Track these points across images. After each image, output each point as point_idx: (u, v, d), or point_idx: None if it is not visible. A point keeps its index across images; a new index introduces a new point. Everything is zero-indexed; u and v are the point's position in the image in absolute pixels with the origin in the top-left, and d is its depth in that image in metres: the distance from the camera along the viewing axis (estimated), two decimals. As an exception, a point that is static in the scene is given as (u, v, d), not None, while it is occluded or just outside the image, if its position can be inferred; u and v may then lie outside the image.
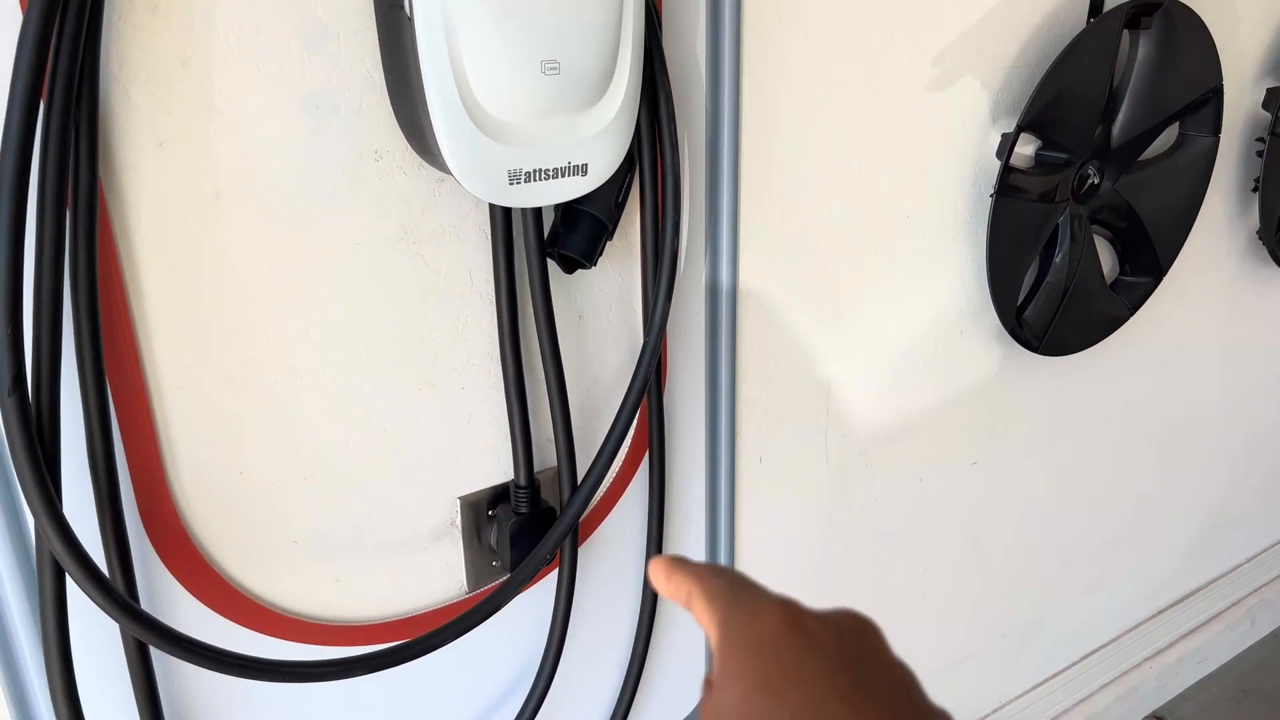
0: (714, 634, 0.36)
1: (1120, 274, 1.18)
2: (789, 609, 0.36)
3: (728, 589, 0.38)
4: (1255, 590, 1.72)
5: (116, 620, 0.59)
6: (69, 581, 0.60)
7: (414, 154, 0.68)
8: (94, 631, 0.65)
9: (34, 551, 0.61)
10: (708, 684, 0.36)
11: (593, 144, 0.66)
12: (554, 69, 0.62)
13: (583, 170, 0.66)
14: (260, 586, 0.72)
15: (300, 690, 0.76)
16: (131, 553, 0.64)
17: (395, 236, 0.70)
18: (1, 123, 0.53)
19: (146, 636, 0.60)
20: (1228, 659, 1.69)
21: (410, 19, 0.59)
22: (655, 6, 0.72)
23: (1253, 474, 1.61)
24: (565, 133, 0.64)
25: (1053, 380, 1.21)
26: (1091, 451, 1.31)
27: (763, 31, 0.82)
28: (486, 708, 0.87)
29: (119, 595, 0.58)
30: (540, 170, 0.65)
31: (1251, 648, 1.72)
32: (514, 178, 0.64)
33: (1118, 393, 1.30)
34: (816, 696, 0.32)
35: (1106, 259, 1.17)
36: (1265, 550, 1.72)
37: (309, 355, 0.69)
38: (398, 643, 0.72)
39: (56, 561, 0.59)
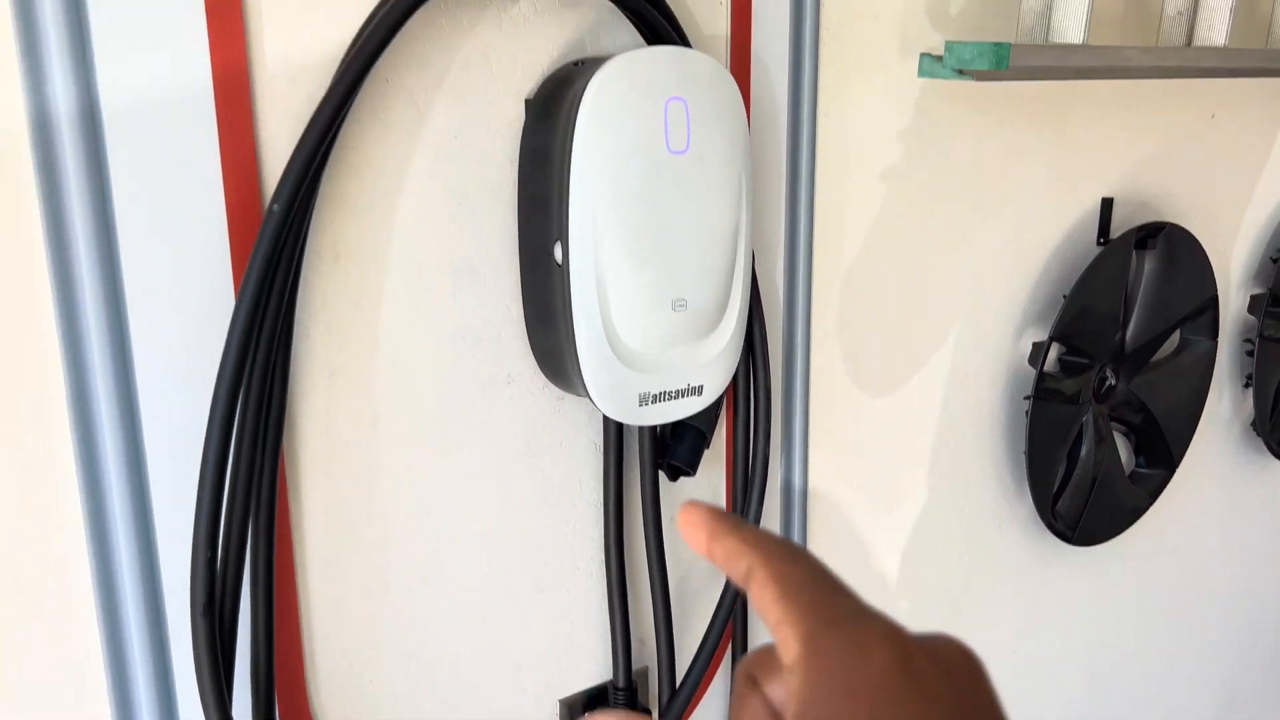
0: (797, 653, 0.29)
1: (1136, 466, 1.26)
2: (897, 643, 0.29)
3: (811, 587, 0.30)
4: (1273, 771, 1.73)
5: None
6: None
7: (540, 376, 0.75)
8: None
9: (187, 767, 0.63)
10: (772, 709, 0.31)
11: (709, 368, 0.73)
12: (682, 305, 0.70)
13: (699, 391, 0.73)
14: (380, 796, 0.73)
15: None
16: (277, 766, 0.66)
17: (519, 452, 0.76)
18: (212, 376, 0.58)
19: None
20: (1255, 844, 1.68)
21: (564, 268, 0.67)
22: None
23: (1261, 652, 1.65)
24: (687, 359, 0.71)
25: (1081, 566, 1.27)
26: (1117, 632, 1.36)
27: (830, 261, 0.91)
28: None
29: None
30: (665, 393, 0.71)
31: (1276, 831, 1.72)
32: (643, 400, 0.70)
33: (1139, 576, 1.36)
34: None
35: (1123, 452, 1.25)
36: (1279, 729, 1.75)
37: (439, 567, 0.73)
38: None
39: (223, 778, 0.60)
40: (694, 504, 0.33)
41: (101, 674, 0.61)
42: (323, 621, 0.68)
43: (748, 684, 0.32)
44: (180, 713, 0.63)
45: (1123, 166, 1.15)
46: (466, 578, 0.75)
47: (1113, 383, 1.16)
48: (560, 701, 0.82)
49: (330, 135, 0.59)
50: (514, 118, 0.70)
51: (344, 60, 0.61)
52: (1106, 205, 1.14)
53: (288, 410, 0.64)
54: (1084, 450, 1.16)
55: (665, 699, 0.83)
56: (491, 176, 0.70)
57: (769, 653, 0.31)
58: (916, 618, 1.10)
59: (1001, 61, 0.79)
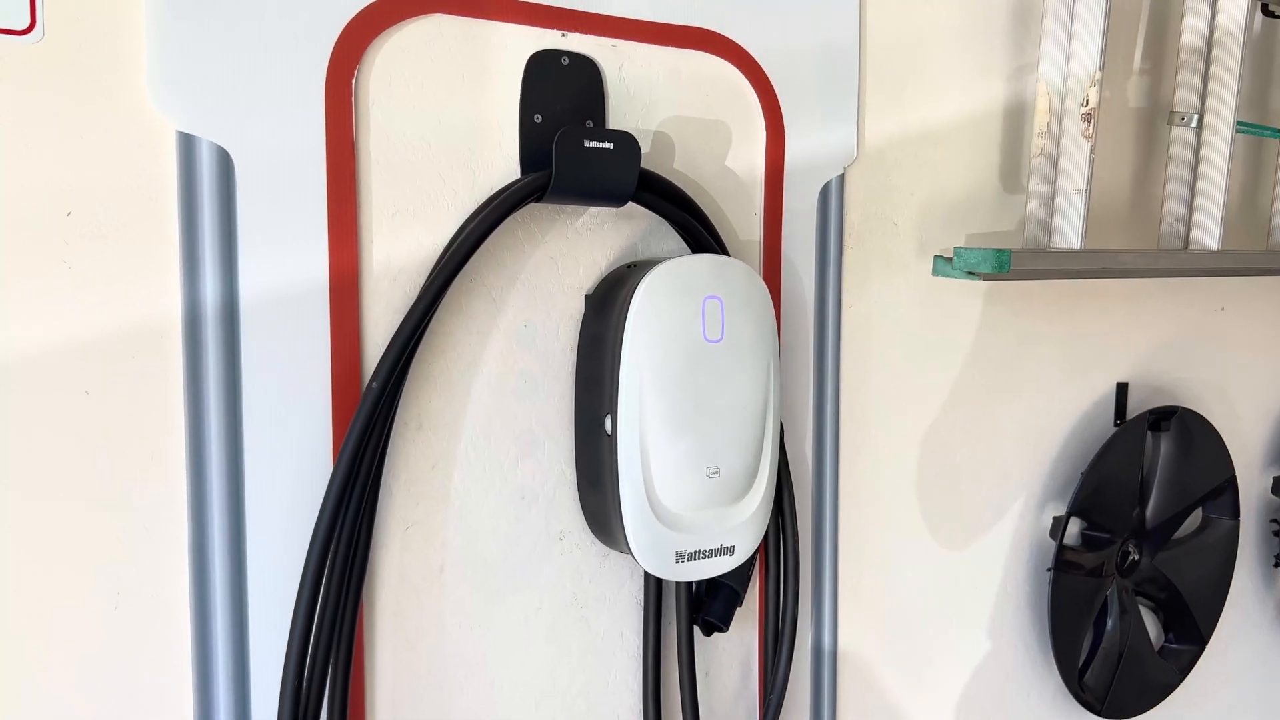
0: None
1: (1165, 641, 1.30)
2: None
3: None
4: None
5: None
6: None
7: (588, 533, 0.84)
8: None
9: None
10: None
11: (740, 530, 0.81)
12: (715, 473, 0.79)
13: (730, 551, 0.82)
14: None
15: None
16: None
17: (567, 603, 0.84)
18: (310, 527, 0.69)
19: None
20: None
21: (612, 437, 0.77)
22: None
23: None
24: (720, 521, 0.80)
25: (1115, 742, 1.28)
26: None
27: (855, 434, 1.00)
28: None
29: None
30: (700, 551, 0.80)
31: None
32: (680, 557, 0.79)
33: (1178, 757, 1.36)
34: None
35: (1151, 627, 1.29)
36: None
37: (492, 708, 0.81)
38: None
39: None
40: None
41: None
42: (386, 752, 0.76)
43: None
44: (258, 829, 0.70)
45: (1136, 355, 1.24)
46: (515, 718, 0.82)
47: (1136, 558, 1.22)
48: (597, 846, 0.87)
49: (422, 325, 0.71)
50: (575, 310, 0.82)
51: (437, 263, 0.73)
52: (1122, 389, 1.22)
53: (370, 560, 0.74)
54: (1110, 624, 1.21)
55: None
56: (554, 360, 0.81)
57: None
58: (947, 785, 1.12)
59: (1003, 266, 0.90)
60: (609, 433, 0.77)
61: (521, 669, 0.82)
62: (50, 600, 0.64)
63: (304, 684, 0.69)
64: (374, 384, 0.69)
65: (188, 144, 0.65)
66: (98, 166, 0.63)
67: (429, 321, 0.72)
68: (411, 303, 0.71)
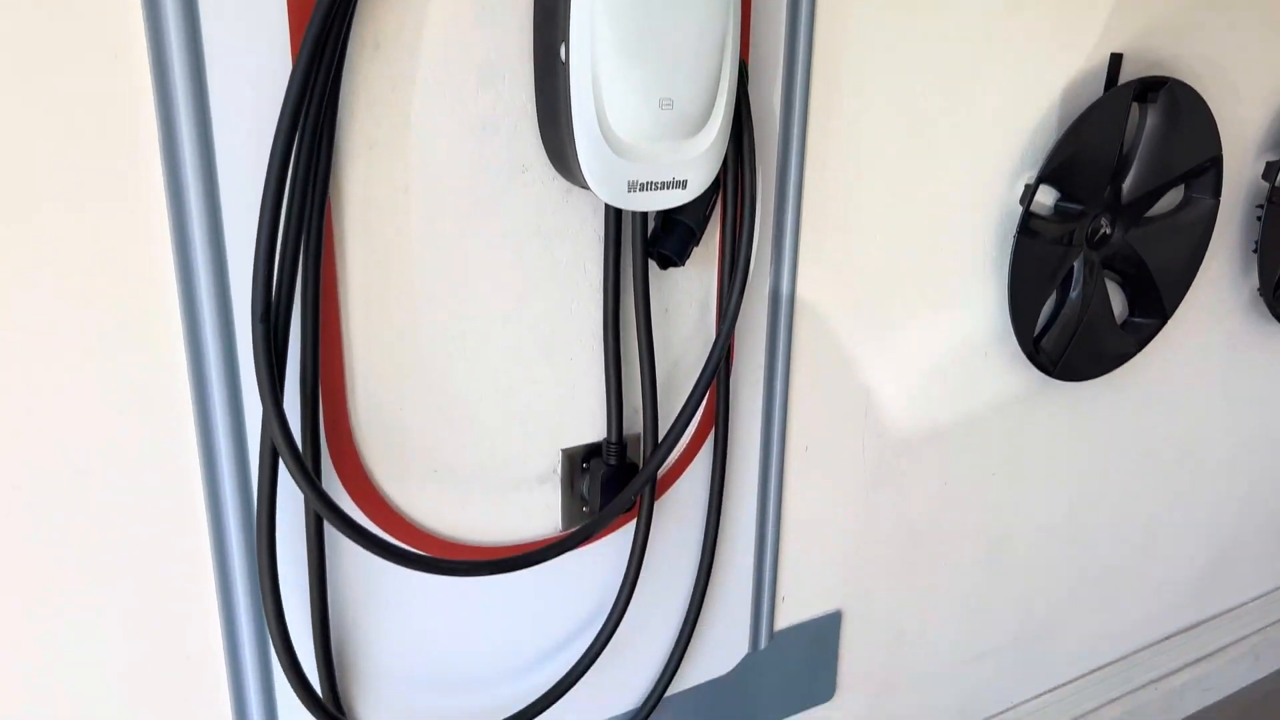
0: None
1: (1130, 315, 1.35)
2: None
3: None
4: (1259, 630, 1.83)
5: (307, 495, 0.77)
6: (280, 467, 0.79)
7: (551, 169, 0.88)
8: (284, 510, 0.84)
9: (247, 448, 0.80)
10: None
11: (692, 164, 0.85)
12: (669, 104, 0.81)
13: (683, 185, 0.85)
14: (406, 504, 0.90)
15: (422, 582, 0.94)
16: (321, 457, 0.83)
17: (532, 231, 0.89)
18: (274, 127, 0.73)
19: (324, 512, 0.78)
20: (1232, 691, 1.80)
21: (565, 64, 0.79)
22: (745, 63, 0.91)
23: (1257, 516, 1.74)
24: (672, 154, 0.83)
25: (1069, 406, 1.37)
26: (1103, 476, 1.46)
27: (827, 91, 1.01)
28: (571, 629, 1.04)
29: (311, 476, 0.77)
30: (652, 182, 0.83)
31: (1256, 683, 1.84)
32: (632, 187, 0.83)
33: (1127, 424, 1.45)
34: None
35: (1117, 302, 1.33)
36: (1268, 592, 1.84)
37: (460, 321, 0.88)
38: (504, 557, 0.90)
39: (274, 449, 0.77)
40: None
41: (185, 373, 0.78)
42: (362, 347, 0.84)
43: None
44: (245, 404, 0.80)
45: (1135, 26, 1.21)
46: (485, 337, 0.90)
47: (1107, 232, 1.24)
48: (562, 450, 0.98)
49: (370, -65, 0.71)
50: (533, -66, 0.81)
51: (385, -127, 0.72)
52: (1115, 60, 1.20)
53: (335, 170, 0.78)
54: (1074, 291, 1.25)
55: (649, 454, 0.98)
56: (512, -14, 0.82)
57: None
58: (900, 435, 1.22)
59: (983, -99, 0.86)
60: (563, 60, 0.79)
61: (489, 289, 0.89)
62: (32, 199, 0.69)
63: (274, 282, 0.75)
64: (324, -7, 0.71)
65: None
66: None
67: (378, -67, 0.72)
68: (359, -89, 0.71)
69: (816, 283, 1.08)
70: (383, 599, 0.91)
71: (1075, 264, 1.23)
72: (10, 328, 0.71)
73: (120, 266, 0.73)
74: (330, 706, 0.89)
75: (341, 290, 0.82)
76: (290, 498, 0.83)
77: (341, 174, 0.79)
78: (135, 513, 0.79)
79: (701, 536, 1.09)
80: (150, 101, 0.71)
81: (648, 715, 1.10)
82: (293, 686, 0.85)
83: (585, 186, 0.84)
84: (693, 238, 0.93)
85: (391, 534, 0.90)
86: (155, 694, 0.84)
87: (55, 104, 0.69)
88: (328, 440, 0.84)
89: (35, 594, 0.77)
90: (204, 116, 0.73)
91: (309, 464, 0.81)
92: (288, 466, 0.77)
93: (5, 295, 0.70)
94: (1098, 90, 1.20)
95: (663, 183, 0.84)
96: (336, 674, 0.91)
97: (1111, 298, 1.31)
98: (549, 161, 0.87)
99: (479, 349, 0.90)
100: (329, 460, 0.85)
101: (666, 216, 0.92)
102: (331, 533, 0.86)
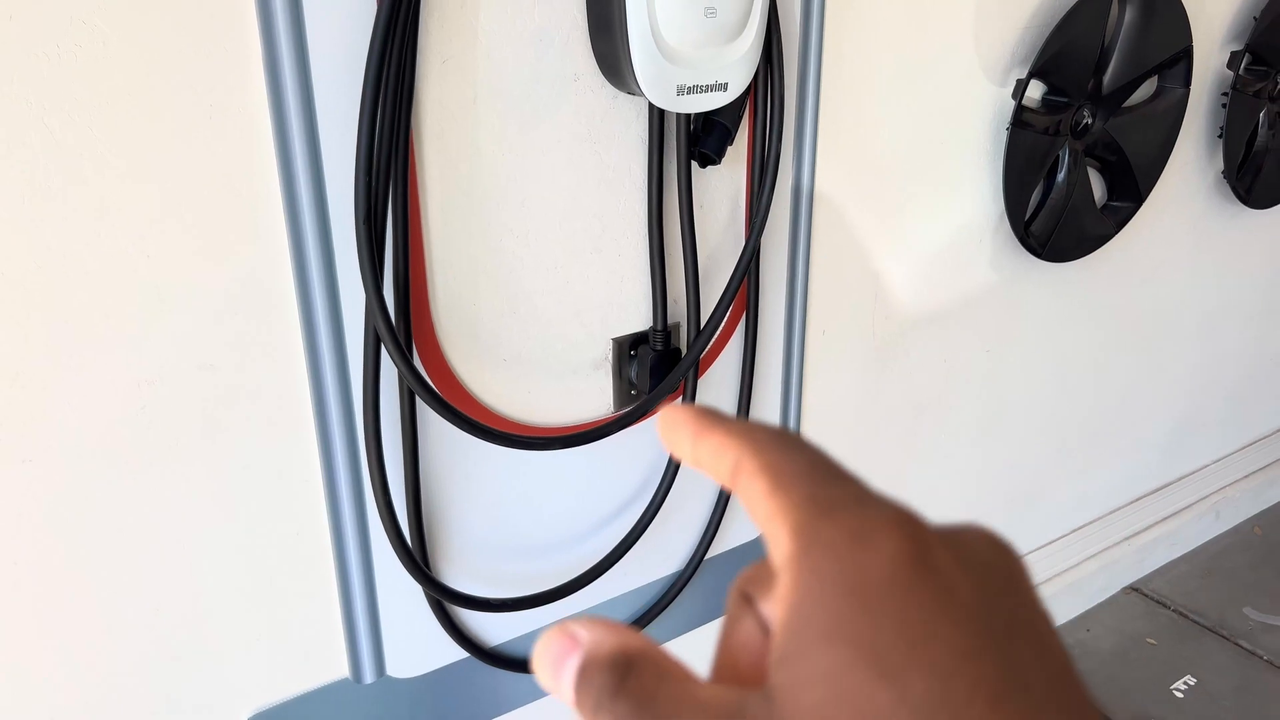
0: (789, 548, 0.23)
1: (1108, 199, 1.46)
2: (911, 532, 0.23)
3: (808, 476, 0.24)
4: (1220, 489, 2.00)
5: (404, 374, 0.87)
6: (383, 350, 0.88)
7: (600, 77, 0.96)
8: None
9: (343, 337, 0.89)
10: (767, 629, 0.26)
11: (733, 67, 0.93)
12: (712, 13, 0.89)
13: (725, 87, 0.94)
14: (480, 388, 1.00)
15: (494, 456, 1.04)
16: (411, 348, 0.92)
17: (583, 137, 0.97)
18: (364, 54, 0.80)
19: (418, 389, 0.88)
20: (1196, 544, 1.98)
21: (620, -23, 0.86)
22: (770, -27, 0.99)
23: (1218, 385, 1.89)
24: (716, 58, 0.92)
25: (1053, 285, 1.49)
26: (1084, 349, 1.59)
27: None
28: (623, 500, 1.15)
29: (409, 360, 0.86)
30: (698, 85, 0.92)
31: (1216, 537, 2.01)
32: (680, 90, 0.91)
33: (1106, 300, 1.58)
34: (955, 692, 0.20)
35: (1097, 188, 1.44)
36: (1228, 455, 2.01)
37: (523, 220, 0.97)
38: (569, 433, 1.00)
39: (378, 335, 0.86)
40: (673, 407, 0.28)
41: (289, 276, 0.86)
42: (440, 249, 0.92)
43: (741, 603, 0.27)
44: (341, 297, 0.88)
45: (1115, -77, 1.29)
46: (542, 233, 0.98)
47: (1089, 122, 1.35)
48: (612, 339, 1.07)
49: None
50: None
51: None
52: (1097, -42, 1.28)
53: (415, 88, 0.86)
54: (1059, 179, 1.36)
55: (692, 340, 1.08)
56: (564, -94, 0.88)
57: (764, 565, 0.26)
58: (905, 316, 1.33)
59: None
60: (617, -26, 0.87)
61: (547, 190, 0.97)
62: (155, 112, 0.76)
63: (372, 189, 0.83)
64: (409, -81, 0.77)
65: None
66: None
67: None
68: None
69: (833, 176, 1.18)
70: (462, 470, 1.02)
71: (1061, 153, 1.34)
72: (141, 224, 0.79)
73: (233, 175, 0.81)
74: (420, 561, 1.00)
75: (422, 195, 0.90)
76: (384, 379, 0.92)
77: (419, 89, 0.87)
78: (249, 402, 0.88)
79: (734, 413, 1.20)
80: (255, 27, 0.78)
81: (691, 575, 1.23)
82: (390, 542, 0.95)
83: (634, 93, 0.92)
84: (729, 137, 1.02)
85: (468, 413, 1.00)
86: (267, 561, 0.94)
87: (173, 33, 0.75)
88: (414, 330, 0.93)
89: (154, 455, 0.86)
90: (301, 40, 0.80)
91: (404, 349, 0.90)
92: (388, 350, 0.86)
93: (140, 194, 0.78)
94: (1081, -12, 1.29)
95: (707, 85, 0.93)
96: (425, 536, 1.01)
97: (1092, 183, 1.41)
98: (598, 70, 0.95)
99: (539, 246, 0.99)
100: (415, 348, 0.94)
101: (706, 118, 1.01)
102: (420, 412, 0.96)
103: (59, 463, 0.81)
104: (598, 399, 1.09)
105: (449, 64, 0.88)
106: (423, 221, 0.91)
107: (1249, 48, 1.49)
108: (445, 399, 0.93)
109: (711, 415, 0.27)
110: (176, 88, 0.77)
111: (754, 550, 1.30)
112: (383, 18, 0.79)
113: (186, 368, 0.84)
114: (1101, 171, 1.44)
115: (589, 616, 0.25)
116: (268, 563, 0.93)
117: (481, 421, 0.98)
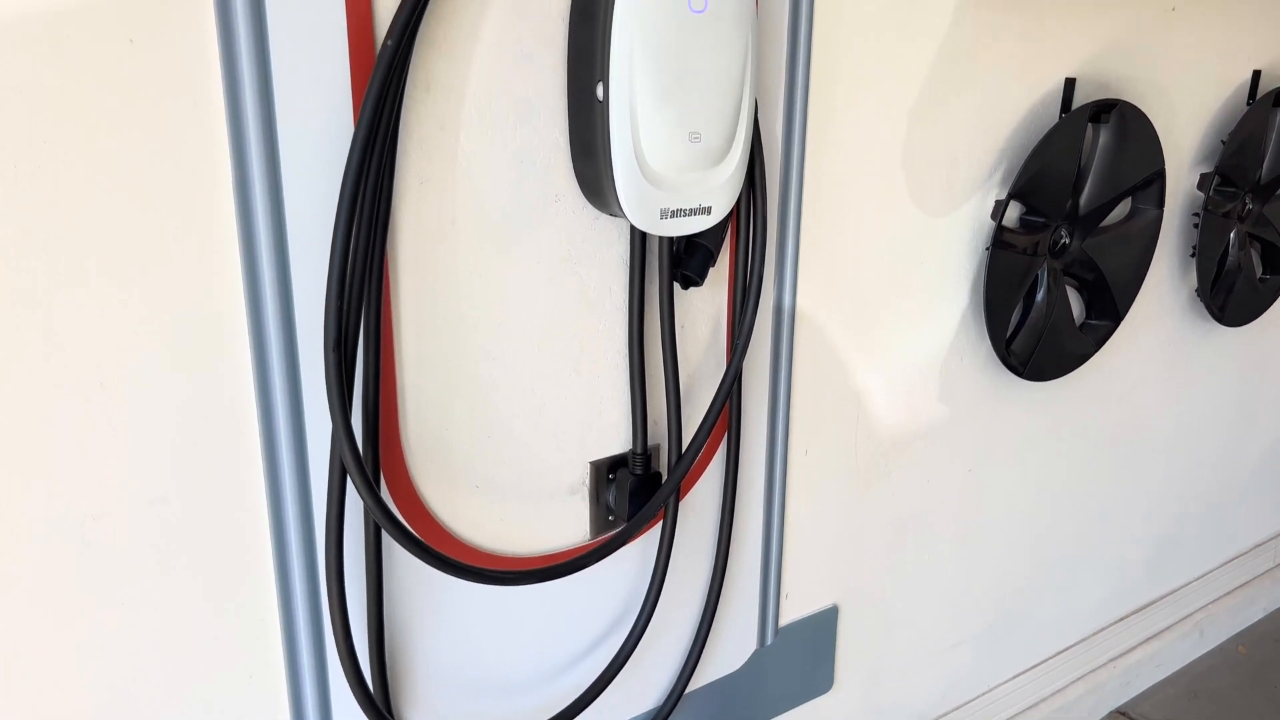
0: None
1: (1086, 318, 1.46)
2: None
3: None
4: (1203, 607, 1.97)
5: (370, 508, 0.82)
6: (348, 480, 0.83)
7: (581, 198, 0.94)
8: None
9: (306, 464, 0.84)
10: None
11: (717, 191, 0.91)
12: (697, 138, 0.88)
13: (709, 210, 0.92)
14: (450, 518, 0.95)
15: (464, 591, 0.98)
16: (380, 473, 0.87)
17: (563, 257, 0.95)
18: (339, 175, 0.77)
19: (385, 524, 0.83)
20: (1181, 665, 1.93)
21: (604, 104, 0.85)
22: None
23: (1197, 499, 1.87)
24: (700, 182, 0.90)
25: (1033, 403, 1.47)
26: (1064, 466, 1.57)
27: (823, 113, 1.09)
28: (600, 632, 1.09)
29: (375, 492, 0.81)
30: (681, 209, 0.90)
31: (1202, 656, 1.97)
32: (664, 214, 0.89)
33: (1085, 418, 1.56)
34: None
35: (1076, 306, 1.44)
36: (1210, 571, 1.98)
37: (500, 342, 0.93)
38: (543, 566, 0.95)
39: (342, 462, 0.81)
40: None
41: (252, 406, 0.81)
42: (414, 375, 0.88)
43: None
44: (306, 424, 0.84)
45: (1087, 51, 1.31)
46: (520, 355, 0.95)
47: (1067, 241, 1.35)
48: (590, 463, 1.03)
49: (430, -12, 0.76)
50: (567, -18, 0.87)
51: (439, -71, 0.78)
52: (1069, 84, 1.30)
53: (392, 207, 0.83)
54: (1038, 298, 1.35)
55: (673, 465, 1.04)
56: (548, 30, 0.87)
57: None
58: (887, 435, 1.30)
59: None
60: (600, 99, 0.85)
61: (525, 313, 0.94)
62: (114, 233, 0.73)
63: (343, 314, 0.80)
64: (389, 41, 0.76)
65: None
66: None
67: (436, -15, 0.78)
68: (420, -35, 0.76)
69: (814, 296, 1.16)
70: (429, 607, 0.96)
71: (1040, 272, 1.33)
72: (95, 351, 0.74)
73: (196, 299, 0.77)
74: (382, 708, 0.93)
75: (396, 318, 0.87)
76: (348, 510, 0.87)
77: (396, 209, 0.84)
78: (203, 525, 0.82)
79: (715, 538, 1.15)
80: (225, 147, 0.75)
81: (669, 713, 1.16)
82: (350, 685, 0.89)
83: (617, 214, 0.90)
84: (711, 258, 1.00)
85: (437, 545, 0.94)
86: (218, 707, 0.87)
87: (140, 151, 0.72)
88: (382, 459, 0.89)
89: (100, 597, 0.80)
90: (274, 162, 0.77)
91: (371, 480, 0.85)
92: (355, 483, 0.81)
93: (96, 320, 0.73)
94: (1054, 110, 1.30)
95: (691, 209, 0.91)
96: (389, 677, 0.95)
97: (1071, 302, 1.41)
98: (580, 191, 0.93)
99: (516, 368, 0.95)
100: (383, 477, 0.89)
101: (689, 240, 0.99)
102: (386, 543, 0.90)
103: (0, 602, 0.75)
104: (574, 525, 1.04)
105: (427, 185, 0.85)
106: (395, 345, 0.87)
107: (1218, 170, 1.51)
108: (413, 532, 0.88)
109: None
110: (139, 207, 0.73)
111: (730, 685, 1.24)
112: (360, 138, 0.77)
113: (136, 502, 0.79)
114: (1080, 290, 1.44)
115: None
116: (219, 709, 0.86)
117: (451, 556, 0.93)
